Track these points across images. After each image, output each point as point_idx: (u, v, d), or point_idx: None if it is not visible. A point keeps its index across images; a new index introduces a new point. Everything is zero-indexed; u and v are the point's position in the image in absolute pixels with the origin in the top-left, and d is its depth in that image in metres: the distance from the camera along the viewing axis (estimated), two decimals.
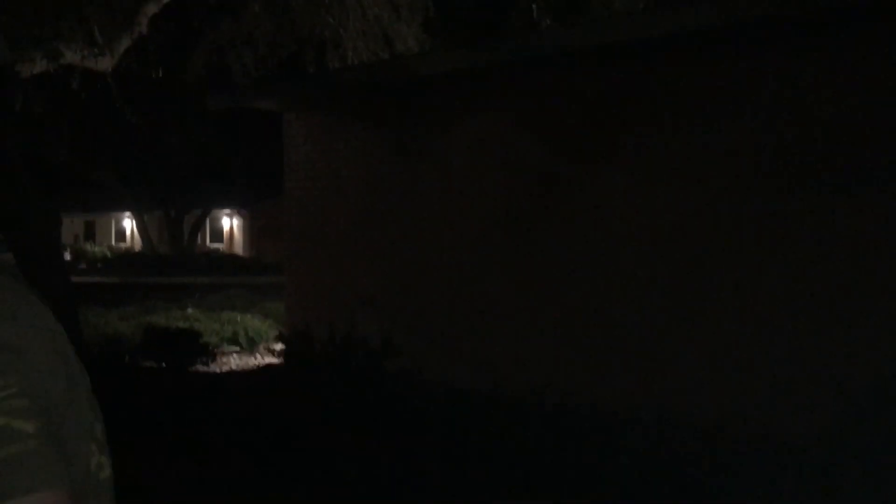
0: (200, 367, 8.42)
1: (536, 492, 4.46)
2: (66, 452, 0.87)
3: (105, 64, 8.54)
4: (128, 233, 38.97)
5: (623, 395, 5.82)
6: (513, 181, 6.82)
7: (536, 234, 6.71)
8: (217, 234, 38.46)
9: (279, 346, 8.20)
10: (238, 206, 34.42)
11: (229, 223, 38.17)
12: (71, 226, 38.67)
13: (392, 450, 5.34)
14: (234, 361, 8.98)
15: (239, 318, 9.98)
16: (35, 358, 0.87)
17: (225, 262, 27.29)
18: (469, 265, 7.09)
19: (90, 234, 39.16)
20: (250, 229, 36.95)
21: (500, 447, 5.12)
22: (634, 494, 4.30)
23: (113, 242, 38.51)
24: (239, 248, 37.00)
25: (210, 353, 8.65)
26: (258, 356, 9.11)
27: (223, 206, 34.13)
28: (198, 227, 32.09)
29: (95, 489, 0.95)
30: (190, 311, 10.85)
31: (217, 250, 35.43)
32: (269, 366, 8.57)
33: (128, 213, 35.82)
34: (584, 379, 6.20)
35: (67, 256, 26.16)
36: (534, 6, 11.25)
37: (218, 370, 8.49)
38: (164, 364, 8.27)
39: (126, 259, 29.29)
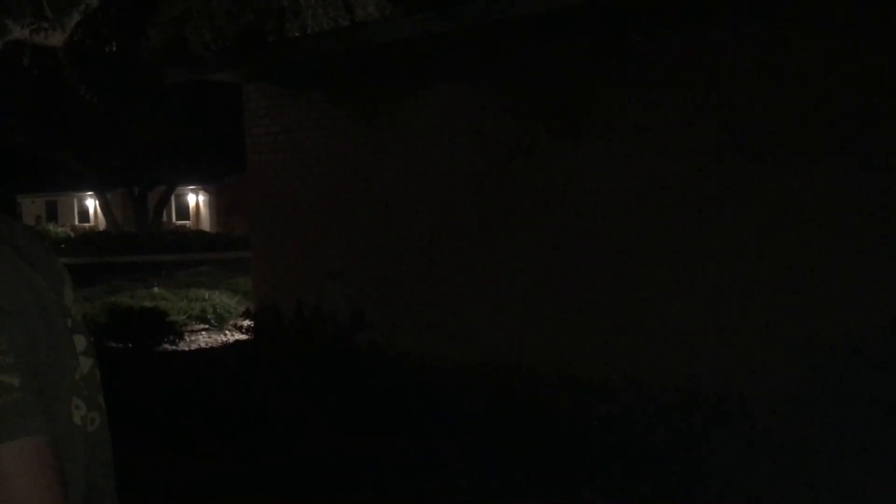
0: (168, 347, 8.32)
1: (510, 464, 4.45)
2: (48, 406, 0.94)
3: (56, 39, 8.30)
4: (91, 212, 38.37)
5: (595, 362, 5.83)
6: (481, 151, 6.75)
7: (506, 203, 6.66)
8: (183, 211, 38.02)
9: (247, 323, 8.12)
10: (203, 183, 33.99)
11: (195, 199, 37.73)
12: (32, 207, 37.98)
13: (363, 424, 5.31)
14: (203, 339, 8.88)
15: (206, 296, 9.87)
16: (22, 318, 0.94)
17: (191, 239, 26.98)
18: (438, 236, 7.03)
19: (52, 214, 38.49)
20: (216, 205, 36.56)
21: (473, 418, 5.10)
22: (607, 461, 4.31)
23: (76, 222, 37.90)
24: (206, 224, 36.62)
25: (177, 332, 8.54)
26: (227, 333, 9.01)
27: (188, 183, 33.67)
28: (162, 204, 31.64)
29: (83, 441, 1.04)
30: (156, 289, 10.69)
31: (183, 227, 35.04)
32: (237, 342, 8.49)
33: (90, 193, 35.23)
34: (555, 346, 6.20)
35: None
36: None
37: (186, 349, 8.39)
38: (129, 344, 8.15)
39: (89, 239, 28.80)
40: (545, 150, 6.39)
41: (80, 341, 1.09)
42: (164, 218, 33.93)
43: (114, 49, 12.13)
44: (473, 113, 6.78)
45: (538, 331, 6.40)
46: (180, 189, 34.65)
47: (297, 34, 9.69)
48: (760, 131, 5.42)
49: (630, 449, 4.42)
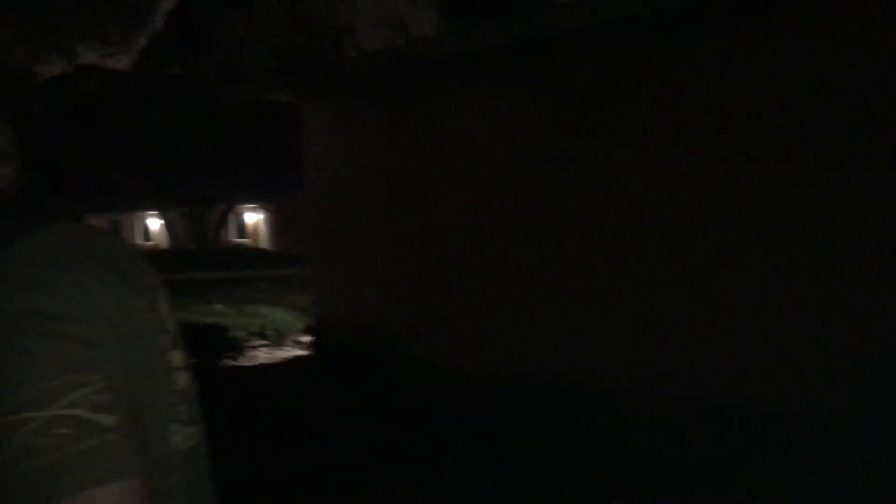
0: (229, 362, 8.45)
1: (566, 478, 4.40)
2: (145, 439, 0.93)
3: (123, 62, 8.56)
4: (154, 231, 39.30)
5: (644, 376, 5.73)
6: (530, 164, 6.72)
7: (557, 216, 6.62)
8: (242, 229, 38.70)
9: (307, 338, 8.21)
10: (261, 201, 34.57)
11: (253, 218, 38.39)
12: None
13: (422, 438, 5.31)
14: (263, 355, 9.00)
15: (265, 312, 10.01)
16: (120, 351, 0.93)
17: (250, 257, 27.44)
18: (490, 251, 7.02)
19: (117, 234, 39.43)
20: (273, 223, 37.13)
21: (528, 434, 5.06)
22: (657, 477, 4.23)
23: (141, 241, 38.85)
24: (264, 241, 37.20)
25: (238, 348, 8.68)
26: (286, 349, 9.12)
27: (247, 202, 34.28)
28: (222, 222, 32.28)
29: (182, 462, 1.03)
30: (217, 306, 10.89)
31: (242, 245, 35.64)
32: (297, 358, 8.58)
33: (153, 213, 36.13)
34: (606, 361, 6.12)
35: None
36: None
37: (247, 364, 8.51)
38: (193, 360, 8.29)
39: (153, 257, 29.44)
40: (596, 161, 6.33)
41: (177, 357, 1.09)
42: (225, 236, 34.59)
43: (177, 71, 12.48)
44: (522, 127, 6.77)
45: (590, 346, 6.33)
46: (239, 207, 35.32)
47: (352, 53, 9.83)
48: (811, 140, 5.29)
49: (688, 463, 4.33)
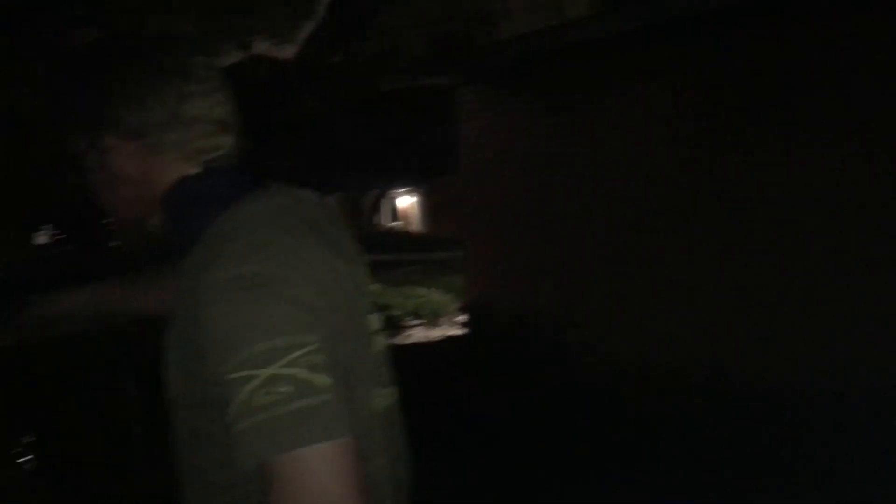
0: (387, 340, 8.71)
1: (727, 469, 4.27)
2: (353, 400, 0.97)
3: (288, 51, 8.96)
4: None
5: (803, 369, 5.43)
6: (683, 149, 6.49)
7: (712, 202, 6.36)
8: (395, 213, 39.57)
9: (461, 319, 8.34)
10: (414, 185, 35.26)
11: (406, 201, 39.21)
12: None
13: (572, 424, 5.30)
14: (418, 334, 9.24)
15: (421, 292, 10.25)
16: (331, 313, 0.97)
17: (404, 240, 28.11)
18: (646, 237, 6.85)
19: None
20: (425, 206, 37.78)
21: (684, 427, 4.94)
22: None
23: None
24: (416, 225, 37.93)
25: (396, 327, 8.95)
26: (440, 329, 9.32)
27: (400, 186, 35.07)
28: (376, 207, 33.23)
29: (382, 423, 1.09)
30: (374, 286, 11.26)
31: (396, 228, 36.46)
32: (450, 338, 8.74)
33: None
34: (758, 353, 5.84)
35: None
36: None
37: (403, 343, 8.76)
38: None
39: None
40: (757, 149, 6.02)
41: (374, 321, 1.14)
42: (378, 220, 35.54)
43: (339, 59, 12.92)
44: (678, 110, 6.53)
45: (742, 336, 6.05)
46: (392, 191, 36.19)
47: (507, 37, 9.83)
48: None
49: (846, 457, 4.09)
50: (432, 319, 9.60)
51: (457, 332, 8.62)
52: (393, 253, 23.58)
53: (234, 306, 0.92)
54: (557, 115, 7.69)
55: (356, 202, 32.10)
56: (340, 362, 0.96)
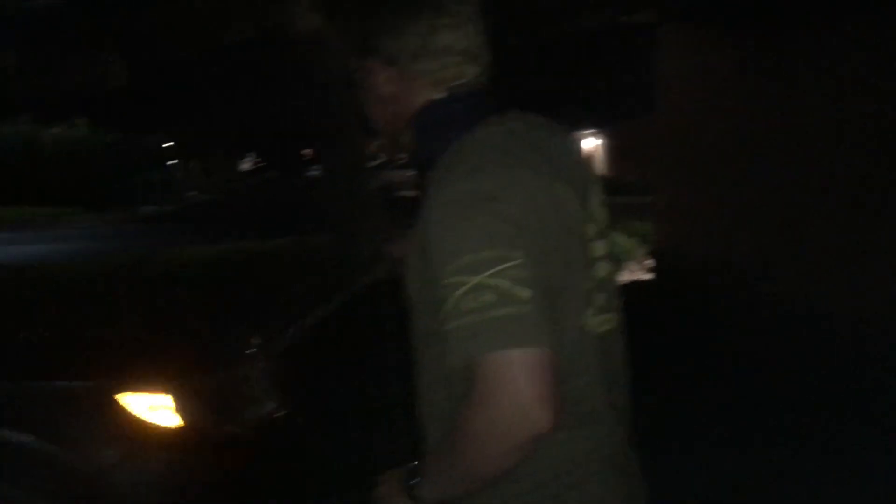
0: None
1: None
2: (557, 317, 1.04)
3: None
4: None
5: None
6: None
7: None
8: None
9: (649, 264, 8.23)
10: (600, 127, 34.61)
11: (591, 144, 38.63)
12: None
13: (760, 381, 5.13)
14: None
15: None
16: (540, 232, 1.04)
17: None
18: (849, 189, 6.38)
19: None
20: (611, 149, 37.06)
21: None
22: None
23: None
24: (600, 168, 37.36)
25: None
26: (626, 273, 9.25)
27: (586, 127, 34.54)
28: None
29: (597, 346, 1.13)
30: None
31: None
32: (637, 282, 8.66)
33: None
34: None
35: None
36: None
37: None
38: None
39: None
40: None
41: (600, 247, 1.17)
42: None
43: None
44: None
45: None
46: (578, 133, 35.73)
47: None
48: None
49: None
50: (618, 262, 9.54)
51: (644, 276, 8.51)
52: None
53: (450, 221, 1.03)
54: (769, 58, 7.26)
55: None
56: (547, 280, 1.03)
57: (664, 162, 8.59)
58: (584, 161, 1.26)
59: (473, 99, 1.20)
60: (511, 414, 0.97)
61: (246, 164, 38.57)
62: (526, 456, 0.99)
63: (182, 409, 2.26)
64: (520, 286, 0.99)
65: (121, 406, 2.16)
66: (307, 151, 35.16)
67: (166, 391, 2.25)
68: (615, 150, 36.26)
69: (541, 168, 1.10)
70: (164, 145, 23.83)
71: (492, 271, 0.99)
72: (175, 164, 24.12)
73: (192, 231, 15.40)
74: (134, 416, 2.17)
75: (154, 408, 2.22)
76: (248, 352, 2.87)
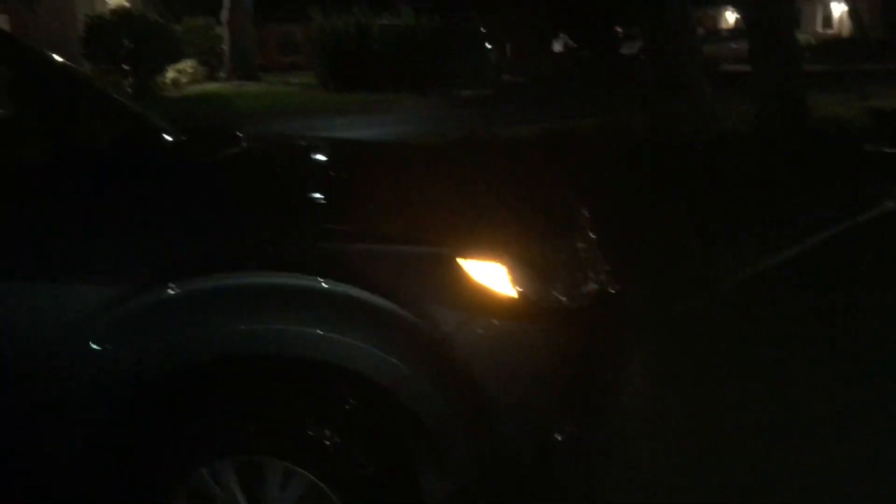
0: None
1: None
2: None
3: None
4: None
5: None
6: None
7: None
8: (828, 20, 33.97)
9: None
10: None
11: (839, 7, 33.19)
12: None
13: None
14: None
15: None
16: None
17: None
18: None
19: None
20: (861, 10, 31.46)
21: None
22: None
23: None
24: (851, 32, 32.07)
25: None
26: None
27: None
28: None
29: None
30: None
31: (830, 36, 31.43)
32: None
33: None
34: None
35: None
36: None
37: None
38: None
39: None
40: None
41: None
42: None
43: None
44: None
45: None
46: None
47: None
48: None
49: None
50: None
51: None
52: (833, 63, 20.27)
53: None
54: None
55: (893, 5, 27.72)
56: None
57: None
58: None
59: None
60: None
61: (557, 46, 38.26)
62: None
63: (516, 279, 2.20)
64: None
65: (463, 272, 2.14)
66: (619, 30, 33.90)
67: (501, 261, 2.20)
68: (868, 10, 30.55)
69: None
70: (480, 30, 24.24)
71: None
72: (490, 48, 24.55)
73: (512, 112, 15.78)
74: (475, 283, 2.14)
75: (491, 276, 2.18)
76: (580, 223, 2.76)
